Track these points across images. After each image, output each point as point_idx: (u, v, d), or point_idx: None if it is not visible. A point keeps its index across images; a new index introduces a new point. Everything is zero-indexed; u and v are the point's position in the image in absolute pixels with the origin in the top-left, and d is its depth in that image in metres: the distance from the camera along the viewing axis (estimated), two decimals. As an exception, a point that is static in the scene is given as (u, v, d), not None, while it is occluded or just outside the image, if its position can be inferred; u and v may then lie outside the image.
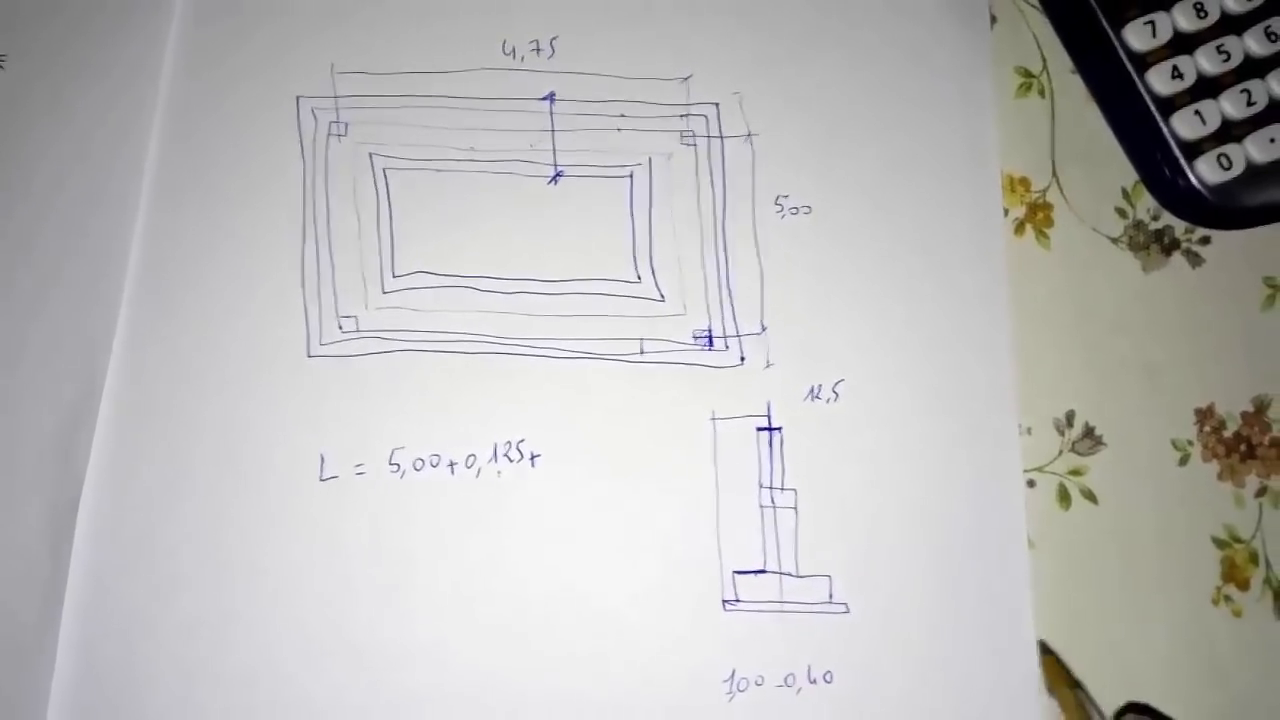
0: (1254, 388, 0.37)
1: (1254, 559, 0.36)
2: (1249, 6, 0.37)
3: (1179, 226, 0.38)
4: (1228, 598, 0.35)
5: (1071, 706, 0.33)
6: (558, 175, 0.37)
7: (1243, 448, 0.37)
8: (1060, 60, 0.39)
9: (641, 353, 0.36)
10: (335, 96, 0.37)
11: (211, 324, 0.35)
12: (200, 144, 0.36)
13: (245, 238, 0.36)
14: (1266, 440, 0.37)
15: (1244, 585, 0.35)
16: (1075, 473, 0.36)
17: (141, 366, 0.35)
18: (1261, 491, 0.36)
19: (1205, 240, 0.38)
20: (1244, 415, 0.37)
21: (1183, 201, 0.37)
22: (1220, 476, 0.36)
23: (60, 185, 0.36)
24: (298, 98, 0.37)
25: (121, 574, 0.33)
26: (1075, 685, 0.34)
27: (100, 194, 0.36)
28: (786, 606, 0.34)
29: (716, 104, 0.38)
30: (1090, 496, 0.36)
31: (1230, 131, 0.36)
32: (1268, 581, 0.36)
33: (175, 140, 0.36)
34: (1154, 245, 0.38)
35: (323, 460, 0.34)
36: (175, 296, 0.35)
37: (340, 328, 0.35)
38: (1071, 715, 0.33)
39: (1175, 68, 0.36)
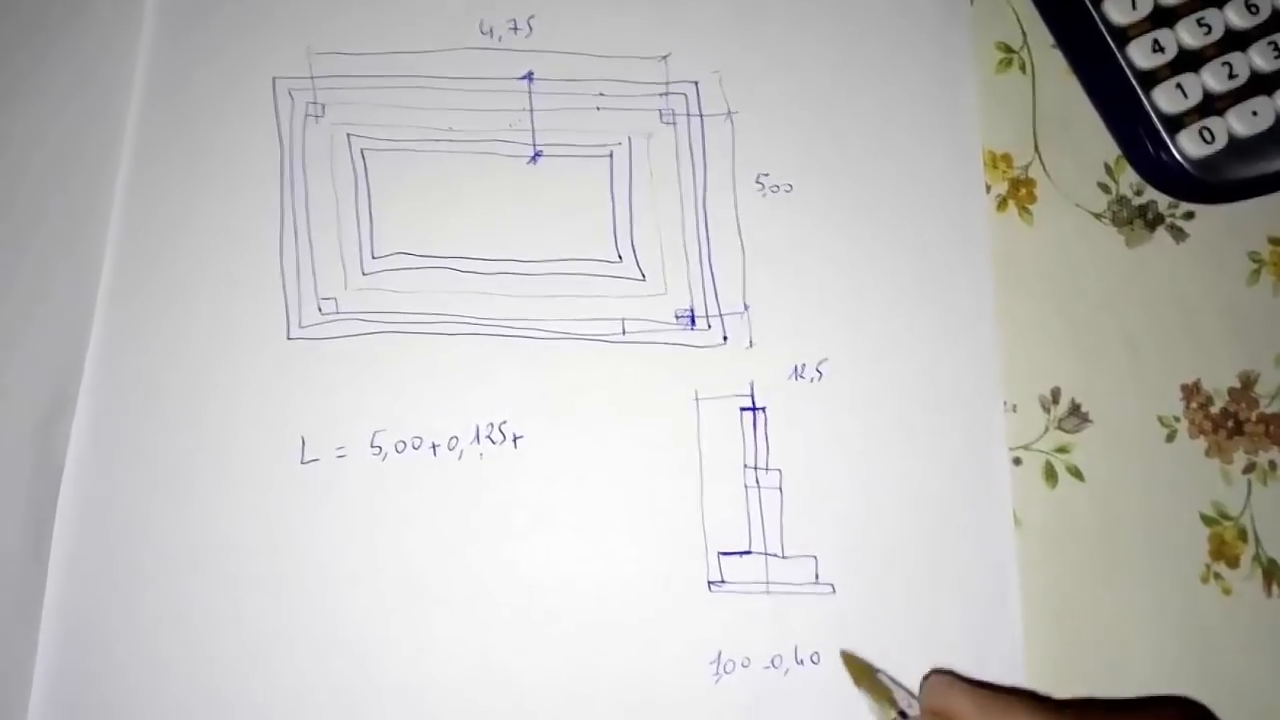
0: (1240, 363, 0.37)
1: (1243, 536, 0.35)
2: (1229, -21, 0.37)
3: (1163, 201, 0.38)
4: (1217, 575, 0.35)
5: (877, 691, 0.32)
6: (537, 155, 0.37)
7: (1230, 424, 0.36)
8: (1041, 35, 0.39)
9: (623, 333, 0.36)
10: (312, 77, 0.37)
11: (191, 308, 0.35)
12: (177, 128, 0.36)
13: (223, 221, 0.36)
14: (1254, 416, 0.37)
15: (1233, 563, 0.35)
16: (1062, 450, 0.36)
17: (121, 352, 0.34)
18: (1250, 468, 0.36)
19: (1189, 215, 0.38)
20: (1231, 391, 0.37)
21: (1165, 176, 0.37)
22: (1208, 453, 0.36)
23: (37, 173, 0.35)
24: (274, 79, 0.37)
25: (103, 560, 0.33)
26: (873, 670, 0.33)
27: (77, 180, 0.36)
28: (773, 588, 0.34)
29: (696, 82, 0.38)
30: (1077, 474, 0.36)
31: (1212, 105, 0.36)
32: (1257, 559, 0.35)
33: (152, 124, 0.36)
34: (1138, 220, 0.38)
35: (304, 443, 0.34)
36: (153, 281, 0.35)
37: (320, 310, 0.35)
38: (880, 699, 0.32)
39: (1156, 41, 0.36)
